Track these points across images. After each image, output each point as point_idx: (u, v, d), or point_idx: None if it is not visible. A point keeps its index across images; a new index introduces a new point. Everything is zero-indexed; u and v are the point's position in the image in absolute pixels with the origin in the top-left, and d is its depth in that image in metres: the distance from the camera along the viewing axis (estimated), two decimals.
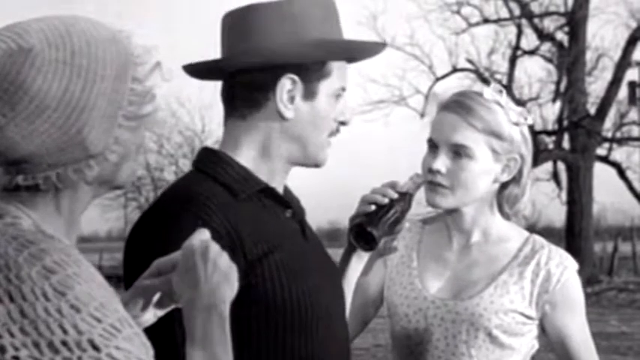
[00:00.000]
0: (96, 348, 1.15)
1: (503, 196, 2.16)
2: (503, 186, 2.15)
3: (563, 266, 2.12)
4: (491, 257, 2.15)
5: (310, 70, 1.81)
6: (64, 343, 1.14)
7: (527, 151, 2.14)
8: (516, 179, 2.15)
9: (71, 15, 1.32)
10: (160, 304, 1.47)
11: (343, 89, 1.88)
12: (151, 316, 1.48)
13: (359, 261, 2.07)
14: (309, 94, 1.81)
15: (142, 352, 1.19)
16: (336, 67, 1.84)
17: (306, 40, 1.80)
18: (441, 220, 2.21)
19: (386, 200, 1.99)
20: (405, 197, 2.03)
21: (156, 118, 1.35)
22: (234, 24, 1.84)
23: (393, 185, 2.02)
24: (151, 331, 1.46)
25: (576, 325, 2.14)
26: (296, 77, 1.80)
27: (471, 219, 2.16)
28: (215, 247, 1.37)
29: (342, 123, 1.89)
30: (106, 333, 1.16)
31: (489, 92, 2.11)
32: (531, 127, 2.20)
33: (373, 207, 1.98)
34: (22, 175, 1.25)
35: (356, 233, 1.98)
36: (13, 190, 1.27)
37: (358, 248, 2.02)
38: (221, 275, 1.35)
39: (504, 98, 2.12)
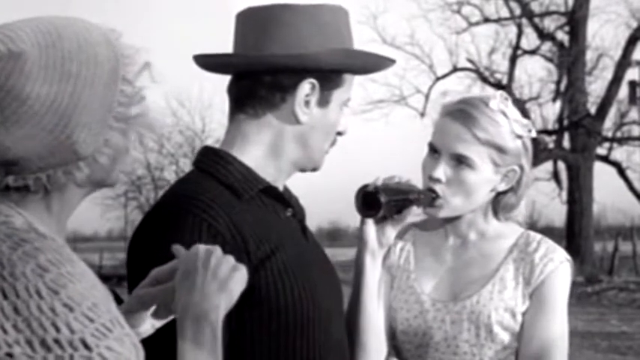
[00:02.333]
0: (87, 347, 1.15)
1: (500, 204, 2.15)
2: (501, 193, 2.15)
3: (547, 258, 2.10)
4: (487, 255, 2.15)
5: (329, 78, 1.82)
6: (57, 341, 1.14)
7: (527, 162, 2.13)
8: (514, 189, 2.14)
9: (64, 16, 1.31)
10: (157, 315, 1.47)
11: (349, 99, 1.89)
12: (149, 327, 1.47)
13: (374, 260, 2.06)
14: (324, 102, 1.82)
15: (132, 354, 1.19)
16: (348, 78, 1.86)
17: (336, 48, 1.81)
18: (437, 222, 2.20)
19: (403, 181, 2.01)
20: (421, 196, 2.03)
21: (147, 120, 1.34)
22: (261, 21, 1.82)
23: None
24: (151, 342, 1.44)
25: (547, 324, 2.08)
26: (316, 83, 1.80)
27: (467, 224, 2.16)
28: (217, 255, 1.36)
29: (339, 133, 1.91)
30: (98, 333, 1.16)
31: (496, 103, 2.09)
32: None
33: (388, 180, 2.00)
34: (12, 176, 1.25)
35: (364, 195, 1.96)
36: (3, 190, 1.27)
37: (357, 211, 1.99)
38: (218, 284, 1.34)
39: (510, 108, 2.10)
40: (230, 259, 1.38)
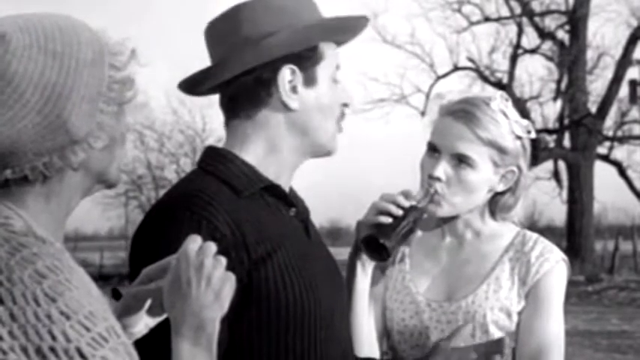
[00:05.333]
0: (83, 356, 1.14)
1: (497, 204, 2.16)
2: (499, 193, 2.15)
3: (543, 258, 2.10)
4: (483, 254, 2.15)
5: (305, 57, 1.81)
6: (52, 350, 1.14)
7: (525, 163, 2.14)
8: (512, 189, 2.15)
9: (45, 12, 1.32)
10: (151, 312, 1.46)
11: (337, 67, 1.87)
12: (143, 327, 1.47)
13: (364, 269, 2.06)
14: (310, 81, 1.81)
15: None
16: (327, 48, 1.84)
17: (298, 27, 1.79)
18: (434, 222, 2.20)
19: (400, 212, 1.97)
20: (418, 208, 2.01)
21: (136, 103, 1.35)
22: (223, 28, 1.83)
23: (406, 194, 2.01)
24: (145, 342, 1.44)
25: (544, 323, 2.08)
26: (294, 66, 1.79)
27: (464, 223, 2.16)
28: (209, 262, 1.35)
29: (345, 105, 1.89)
30: (94, 342, 1.15)
31: (497, 103, 2.09)
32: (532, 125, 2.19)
33: (383, 218, 1.96)
34: (10, 169, 1.25)
35: (367, 244, 1.96)
36: (3, 186, 1.27)
37: (370, 259, 2.00)
38: (213, 293, 1.34)
39: (511, 109, 2.11)
40: (221, 261, 1.36)
